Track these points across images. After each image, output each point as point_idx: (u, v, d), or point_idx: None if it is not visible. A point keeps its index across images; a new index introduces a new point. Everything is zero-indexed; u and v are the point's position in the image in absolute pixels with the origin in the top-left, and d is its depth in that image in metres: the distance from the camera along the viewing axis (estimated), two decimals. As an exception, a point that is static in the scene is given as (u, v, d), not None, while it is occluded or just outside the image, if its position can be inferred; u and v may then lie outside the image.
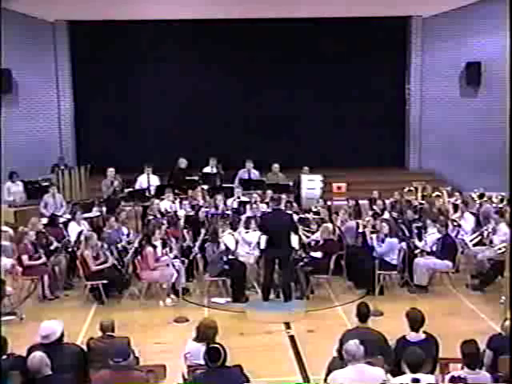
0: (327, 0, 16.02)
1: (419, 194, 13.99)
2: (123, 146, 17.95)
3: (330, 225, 11.29)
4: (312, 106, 18.61)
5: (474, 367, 5.59)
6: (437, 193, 13.66)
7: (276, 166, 14.81)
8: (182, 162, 14.60)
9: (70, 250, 11.13)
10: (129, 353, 5.57)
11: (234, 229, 11.31)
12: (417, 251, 10.89)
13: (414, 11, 18.05)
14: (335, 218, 12.20)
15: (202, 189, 13.57)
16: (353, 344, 5.54)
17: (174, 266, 10.23)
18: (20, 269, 10.16)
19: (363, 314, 6.60)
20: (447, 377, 5.69)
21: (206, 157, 14.82)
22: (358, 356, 5.50)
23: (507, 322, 6.35)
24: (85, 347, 6.46)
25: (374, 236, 10.57)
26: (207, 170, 14.55)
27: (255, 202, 12.71)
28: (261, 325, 9.16)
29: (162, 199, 12.96)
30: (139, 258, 10.39)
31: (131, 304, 10.24)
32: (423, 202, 13.47)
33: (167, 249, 10.48)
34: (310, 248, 10.83)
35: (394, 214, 12.28)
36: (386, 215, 12.08)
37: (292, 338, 8.83)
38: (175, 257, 10.43)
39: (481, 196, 13.33)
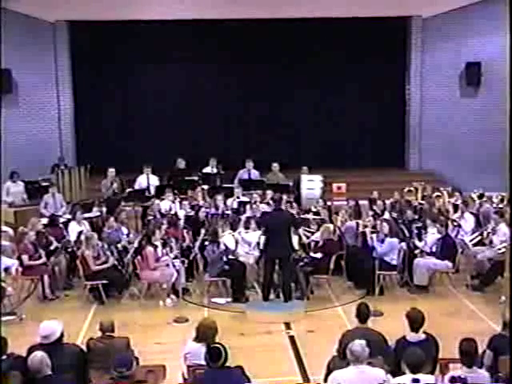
0: (327, 0, 16.03)
1: (419, 195, 13.97)
2: (123, 146, 17.97)
3: (330, 225, 11.29)
4: (312, 106, 18.63)
5: (470, 365, 5.58)
6: (437, 193, 13.66)
7: (276, 165, 14.80)
8: (181, 163, 14.62)
9: (70, 250, 11.13)
10: (131, 361, 5.53)
11: (234, 229, 11.32)
12: (417, 251, 10.88)
13: (414, 11, 18.05)
14: (335, 218, 12.19)
15: (202, 189, 13.56)
16: (358, 345, 5.53)
17: (174, 266, 10.23)
18: (20, 269, 10.17)
19: (363, 314, 6.59)
20: (447, 377, 5.68)
21: (206, 157, 14.81)
22: (363, 358, 5.51)
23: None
24: (85, 347, 6.45)
25: (374, 236, 10.57)
26: (207, 170, 14.54)
27: (255, 202, 12.70)
28: (261, 325, 9.16)
29: (162, 199, 12.96)
30: (139, 257, 10.39)
31: (131, 304, 10.24)
32: (423, 202, 13.45)
33: (167, 249, 10.48)
34: (310, 249, 10.83)
35: (394, 215, 12.28)
36: (386, 215, 12.08)
37: (292, 338, 8.82)
38: (175, 257, 10.42)
39: (481, 196, 13.33)
